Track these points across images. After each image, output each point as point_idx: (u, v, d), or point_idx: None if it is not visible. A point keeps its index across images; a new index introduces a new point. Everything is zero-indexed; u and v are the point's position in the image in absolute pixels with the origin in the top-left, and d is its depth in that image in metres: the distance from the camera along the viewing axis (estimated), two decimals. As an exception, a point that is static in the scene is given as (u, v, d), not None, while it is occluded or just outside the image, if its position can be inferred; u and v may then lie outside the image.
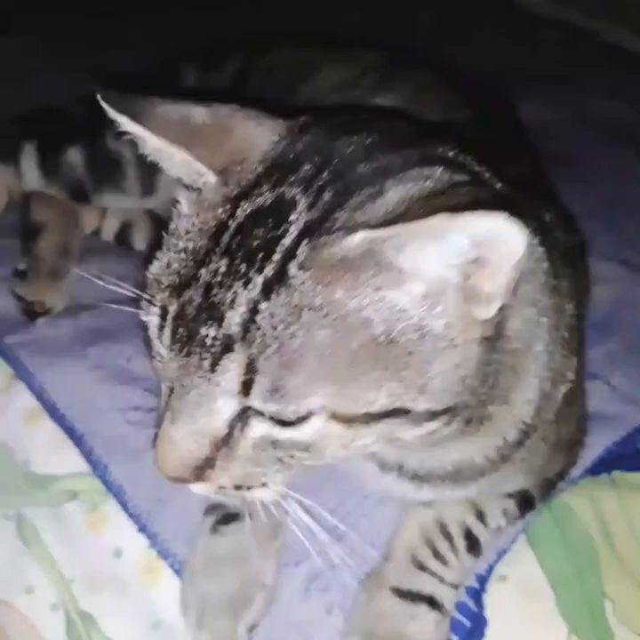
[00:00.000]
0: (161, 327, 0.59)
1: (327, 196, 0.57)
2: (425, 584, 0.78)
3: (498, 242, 0.50)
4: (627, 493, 0.90)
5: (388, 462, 0.76)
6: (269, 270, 0.55)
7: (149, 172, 1.20)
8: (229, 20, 1.64)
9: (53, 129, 1.24)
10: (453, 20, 1.86)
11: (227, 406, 0.57)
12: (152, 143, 0.62)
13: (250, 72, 1.20)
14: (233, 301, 0.55)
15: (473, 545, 0.81)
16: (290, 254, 0.55)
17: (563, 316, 0.70)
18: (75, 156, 1.20)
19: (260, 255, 0.55)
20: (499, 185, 0.64)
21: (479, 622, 0.79)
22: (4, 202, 1.23)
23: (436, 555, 0.79)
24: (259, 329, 0.54)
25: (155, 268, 0.62)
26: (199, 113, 0.64)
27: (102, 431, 0.92)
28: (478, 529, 0.81)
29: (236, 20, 1.63)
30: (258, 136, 0.63)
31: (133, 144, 1.17)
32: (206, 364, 0.55)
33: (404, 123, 0.66)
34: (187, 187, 0.64)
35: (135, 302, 1.09)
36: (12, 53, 1.65)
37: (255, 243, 0.56)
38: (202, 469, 0.59)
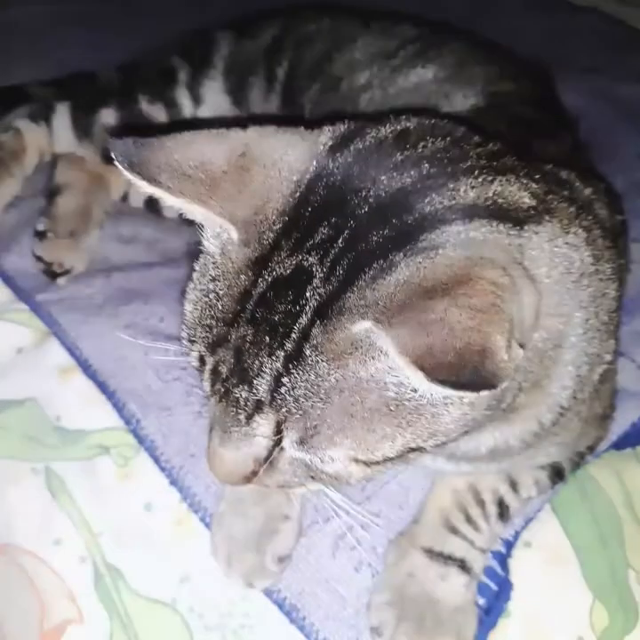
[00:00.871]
0: (200, 371, 0.64)
1: (341, 269, 0.57)
2: (456, 547, 0.79)
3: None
4: (651, 468, 0.91)
5: None
6: (288, 347, 0.57)
7: None
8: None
9: (87, 91, 1.25)
10: (486, 7, 1.85)
11: (264, 442, 0.61)
12: (171, 202, 0.61)
13: (286, 41, 1.21)
14: (260, 370, 0.58)
15: (503, 512, 0.82)
16: (305, 335, 0.57)
17: (603, 300, 0.70)
18: (108, 118, 1.21)
19: (281, 331, 0.57)
20: (526, 197, 0.62)
21: (505, 586, 0.81)
22: (34, 162, 1.22)
23: (469, 520, 0.81)
24: (282, 399, 0.58)
25: (189, 309, 0.64)
26: (215, 157, 0.61)
27: (135, 387, 0.93)
28: (510, 497, 0.83)
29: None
30: (277, 175, 0.61)
31: (167, 107, 1.21)
32: (242, 417, 0.60)
33: (431, 141, 0.63)
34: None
35: (166, 264, 1.11)
36: (42, 20, 1.66)
37: (276, 317, 0.58)
38: (248, 478, 0.64)
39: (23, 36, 1.59)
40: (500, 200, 0.61)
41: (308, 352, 0.56)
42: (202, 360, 0.63)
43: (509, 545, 0.83)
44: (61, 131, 1.22)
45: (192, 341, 0.63)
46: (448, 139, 0.64)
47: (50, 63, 1.41)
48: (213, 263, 0.63)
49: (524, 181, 0.64)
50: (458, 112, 0.95)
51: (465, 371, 0.50)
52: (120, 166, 0.61)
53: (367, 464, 0.60)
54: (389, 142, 0.63)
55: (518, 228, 0.60)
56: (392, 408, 0.57)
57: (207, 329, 0.61)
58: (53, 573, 0.85)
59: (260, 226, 0.60)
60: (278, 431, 0.59)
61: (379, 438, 0.58)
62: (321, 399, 0.57)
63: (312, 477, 0.63)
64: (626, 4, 1.88)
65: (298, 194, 0.60)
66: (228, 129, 0.64)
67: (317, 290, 0.57)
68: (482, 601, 0.80)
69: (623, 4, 1.87)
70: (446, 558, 0.78)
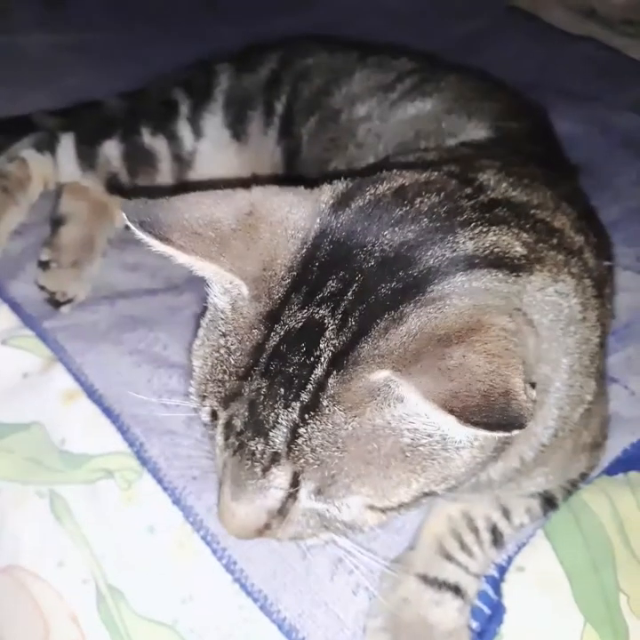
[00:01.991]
0: (212, 426, 0.65)
1: (353, 321, 0.59)
2: (451, 573, 0.81)
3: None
4: (642, 493, 0.92)
5: None
6: (304, 398, 0.59)
7: (182, 168, 1.24)
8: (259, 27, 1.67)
9: (91, 122, 1.27)
10: (479, 35, 1.88)
11: (278, 494, 0.62)
12: (183, 260, 0.63)
13: (284, 75, 1.24)
14: (276, 421, 0.59)
15: (497, 539, 0.84)
16: (321, 386, 0.58)
17: (587, 346, 0.72)
18: (111, 150, 1.23)
19: (296, 382, 0.59)
20: (518, 246, 0.65)
21: (498, 610, 0.82)
22: (39, 191, 1.25)
23: (463, 546, 0.82)
24: (299, 450, 0.59)
25: (198, 365, 0.66)
26: (224, 216, 0.63)
27: (138, 413, 0.94)
28: (503, 525, 0.84)
29: (266, 24, 1.65)
30: (284, 233, 0.64)
31: (168, 140, 1.24)
32: (258, 470, 0.61)
33: (431, 196, 0.66)
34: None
35: (169, 291, 1.13)
36: (47, 48, 1.69)
37: (291, 369, 0.60)
38: (261, 531, 0.65)
39: (29, 64, 1.62)
40: (496, 249, 0.63)
41: (325, 402, 0.58)
42: (214, 415, 0.64)
43: (502, 569, 0.85)
44: (66, 161, 1.25)
45: (203, 397, 0.64)
46: (442, 193, 0.67)
47: (55, 91, 1.45)
48: (223, 319, 0.64)
49: (516, 231, 0.66)
50: (474, 140, 0.97)
51: (494, 412, 0.52)
52: (132, 226, 0.62)
53: (383, 511, 0.62)
54: (388, 199, 0.65)
55: (515, 275, 0.63)
56: (408, 454, 0.59)
57: (219, 384, 0.63)
58: (56, 595, 0.86)
59: (270, 281, 0.62)
60: (295, 482, 0.60)
61: (394, 484, 0.60)
62: (338, 448, 0.58)
63: (326, 527, 0.65)
64: (621, 34, 1.91)
65: (304, 250, 0.63)
66: (233, 189, 0.66)
67: (331, 341, 0.59)
68: (475, 624, 0.81)
69: (618, 34, 1.90)
70: (441, 584, 0.80)
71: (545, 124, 1.17)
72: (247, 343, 0.62)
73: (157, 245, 0.62)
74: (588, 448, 0.87)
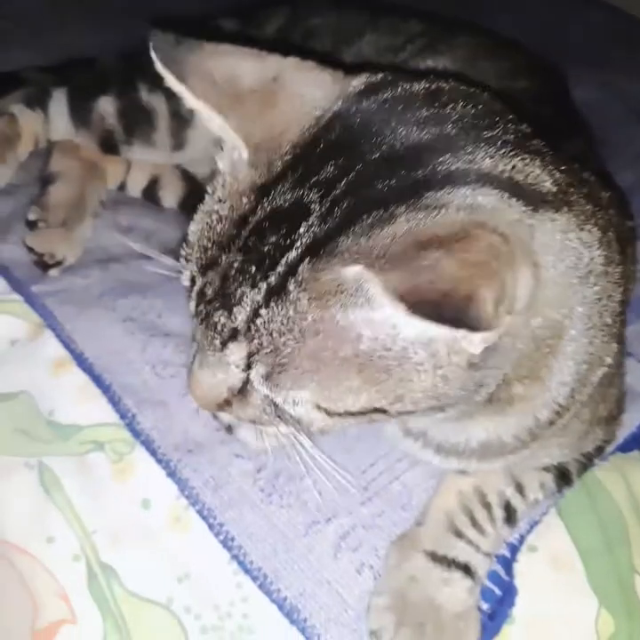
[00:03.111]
0: (189, 293, 0.64)
1: (339, 211, 0.57)
2: (461, 551, 0.78)
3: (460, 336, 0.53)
4: (658, 470, 0.89)
5: (412, 429, 0.77)
6: (272, 280, 0.57)
7: (181, 126, 1.18)
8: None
9: (85, 77, 1.22)
10: (493, 1, 1.83)
11: (237, 372, 0.62)
12: (193, 104, 0.63)
13: (292, 33, 1.19)
14: (240, 299, 0.58)
15: (510, 516, 0.81)
16: (291, 270, 0.57)
17: (609, 302, 0.69)
18: (106, 106, 1.18)
19: (267, 263, 0.58)
20: (548, 182, 0.62)
21: (510, 591, 0.79)
22: (29, 149, 1.19)
23: (474, 523, 0.79)
24: (257, 331, 0.58)
25: (192, 229, 0.65)
26: (248, 73, 0.63)
27: (131, 382, 0.90)
28: (517, 500, 0.81)
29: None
30: (300, 108, 0.62)
31: (167, 97, 1.19)
32: (217, 342, 0.61)
33: (459, 105, 0.63)
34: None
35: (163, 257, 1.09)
36: (41, 4, 1.63)
37: (266, 248, 0.58)
38: (222, 406, 0.67)
39: (22, 20, 1.56)
40: (517, 176, 0.60)
41: (291, 287, 0.56)
42: (193, 280, 0.63)
43: (514, 549, 0.81)
44: (58, 117, 1.19)
45: (187, 260, 0.64)
46: (480, 107, 0.63)
47: (49, 48, 1.39)
48: (222, 184, 0.63)
49: (550, 168, 0.63)
50: None
51: (448, 309, 0.49)
52: (155, 59, 0.63)
53: (329, 413, 0.60)
54: (419, 98, 0.63)
55: (532, 208, 0.59)
56: (363, 362, 0.56)
57: (203, 250, 0.62)
58: (46, 572, 0.82)
59: (272, 153, 0.61)
60: (248, 363, 0.60)
61: (343, 390, 0.58)
62: (294, 338, 0.57)
63: (280, 417, 0.64)
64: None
65: (315, 129, 0.61)
66: (269, 52, 0.65)
67: (312, 227, 0.57)
68: (485, 606, 0.78)
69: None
70: (450, 562, 0.77)
71: (558, 85, 1.13)
72: (235, 212, 0.61)
73: (172, 83, 0.63)
74: (604, 421, 0.84)
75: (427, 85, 0.65)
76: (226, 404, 0.66)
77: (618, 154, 1.24)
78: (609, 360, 0.72)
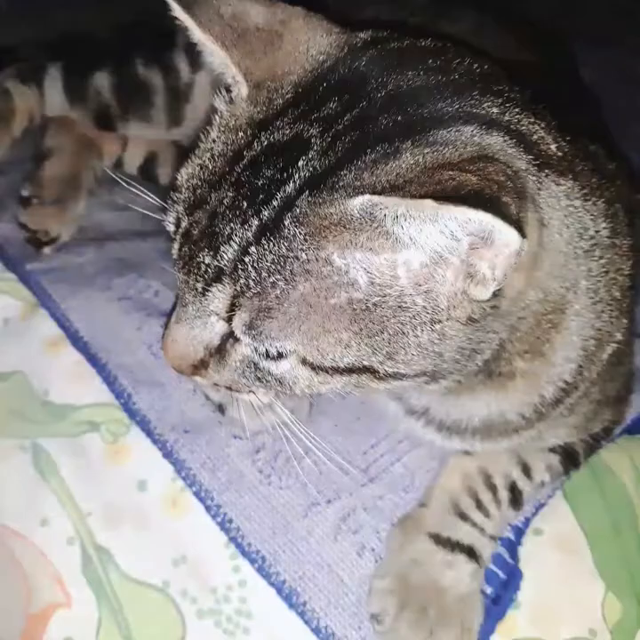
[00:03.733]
0: (174, 237, 0.62)
1: (341, 146, 0.55)
2: (466, 534, 0.76)
3: (488, 234, 0.49)
4: (665, 453, 0.87)
5: (414, 407, 0.75)
6: (265, 215, 0.55)
7: (177, 101, 1.17)
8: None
9: (81, 53, 1.19)
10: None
11: (217, 325, 0.60)
12: (197, 36, 0.62)
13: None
14: (229, 236, 0.56)
15: (516, 498, 0.79)
16: (288, 204, 0.54)
17: (617, 275, 0.67)
18: (102, 81, 1.16)
19: (261, 197, 0.55)
20: (553, 145, 0.61)
21: (514, 575, 0.77)
22: (23, 125, 1.17)
23: (479, 506, 0.78)
24: (245, 270, 0.55)
25: (183, 173, 0.63)
26: (256, 13, 0.63)
27: (126, 362, 0.89)
28: (523, 483, 0.80)
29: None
30: (305, 52, 0.62)
31: (164, 73, 1.16)
32: (199, 286, 0.58)
33: (465, 61, 0.62)
34: (227, 89, 0.64)
35: (161, 235, 1.07)
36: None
37: (260, 182, 0.56)
38: (197, 368, 0.63)
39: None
40: (523, 130, 0.59)
41: (287, 221, 0.54)
42: (177, 223, 0.61)
43: (520, 532, 0.80)
44: (53, 93, 1.17)
45: (174, 202, 0.62)
46: (488, 67, 0.63)
47: (43, 24, 1.35)
48: (218, 122, 0.62)
49: (554, 134, 0.61)
50: None
51: (476, 199, 0.48)
52: None
53: (315, 369, 0.58)
54: (427, 50, 0.63)
55: (538, 164, 0.57)
56: (356, 310, 0.54)
57: (191, 190, 0.61)
58: (40, 555, 0.81)
59: (272, 92, 0.60)
60: (232, 310, 0.57)
61: (333, 341, 0.56)
62: (284, 278, 0.54)
63: (259, 379, 0.61)
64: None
65: (318, 71, 0.61)
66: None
67: (312, 161, 0.55)
68: (489, 590, 0.76)
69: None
70: (454, 545, 0.75)
71: (564, 59, 1.12)
72: (229, 148, 0.59)
73: (179, 12, 0.62)
74: (613, 401, 0.82)
75: (433, 42, 0.64)
76: (202, 366, 0.63)
77: (621, 135, 1.20)
78: (619, 336, 0.70)
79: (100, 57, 1.17)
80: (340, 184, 0.53)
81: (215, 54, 0.62)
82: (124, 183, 0.74)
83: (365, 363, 0.56)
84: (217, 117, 0.63)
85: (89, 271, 0.99)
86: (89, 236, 1.06)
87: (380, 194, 0.51)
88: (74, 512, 0.82)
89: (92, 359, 0.89)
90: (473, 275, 0.52)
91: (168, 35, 1.17)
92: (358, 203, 0.51)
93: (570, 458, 0.82)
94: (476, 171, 0.50)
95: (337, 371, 0.57)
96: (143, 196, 0.70)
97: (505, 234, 0.48)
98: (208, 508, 0.79)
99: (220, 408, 0.84)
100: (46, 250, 1.03)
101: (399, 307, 0.54)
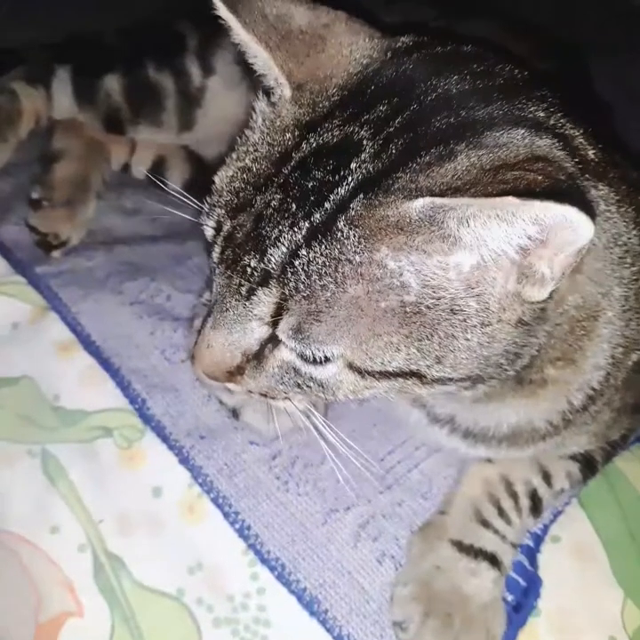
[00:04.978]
0: (214, 241, 0.60)
1: (394, 148, 0.55)
2: (488, 541, 0.76)
3: (564, 230, 0.49)
4: (680, 461, 0.88)
5: (439, 415, 0.74)
6: (317, 218, 0.54)
7: (189, 106, 1.16)
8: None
9: (90, 55, 1.18)
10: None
11: (259, 329, 0.59)
12: (241, 36, 0.62)
13: None
14: (277, 239, 0.55)
15: (536, 506, 0.79)
16: (341, 207, 0.54)
17: None
18: (113, 83, 1.15)
19: (312, 200, 0.55)
20: (591, 151, 0.62)
21: (534, 582, 0.77)
22: (30, 127, 1.16)
23: (501, 513, 0.77)
24: (294, 273, 0.54)
25: (221, 176, 0.62)
26: (300, 16, 0.63)
27: (140, 367, 0.88)
28: (543, 490, 0.79)
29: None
30: (349, 55, 0.62)
31: (175, 76, 1.16)
32: (243, 290, 0.57)
33: (507, 67, 0.63)
34: (266, 93, 0.63)
35: (171, 239, 1.07)
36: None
37: (311, 184, 0.55)
38: (232, 374, 0.62)
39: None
40: (567, 134, 0.59)
41: (341, 224, 0.53)
42: (218, 227, 0.60)
43: (538, 539, 0.80)
44: (61, 95, 1.16)
45: (213, 206, 0.61)
46: (527, 74, 0.63)
47: (49, 25, 1.34)
48: (260, 124, 0.62)
49: (593, 142, 0.62)
50: None
51: (555, 190, 0.48)
52: None
53: (361, 373, 0.57)
54: (470, 55, 0.63)
55: (580, 168, 0.58)
56: (408, 313, 0.54)
57: (233, 193, 0.59)
58: (50, 562, 0.80)
59: (317, 94, 0.60)
60: (277, 314, 0.56)
61: (382, 345, 0.55)
62: (335, 281, 0.53)
63: (299, 385, 0.60)
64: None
65: (363, 74, 0.61)
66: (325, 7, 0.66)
67: (365, 164, 0.55)
68: (510, 597, 0.76)
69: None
70: (477, 552, 0.75)
71: (578, 67, 1.12)
72: (275, 149, 0.58)
73: (223, 11, 0.61)
74: (630, 409, 0.82)
75: (474, 49, 0.64)
76: (237, 372, 0.62)
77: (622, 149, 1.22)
78: None
79: (108, 59, 1.17)
80: (396, 186, 0.53)
81: (259, 55, 0.62)
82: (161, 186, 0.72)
83: (413, 367, 0.56)
84: (258, 119, 0.62)
85: (99, 275, 0.98)
86: (98, 239, 1.05)
87: (439, 196, 0.50)
88: (85, 519, 0.80)
89: (105, 364, 0.88)
90: (528, 275, 0.52)
91: (177, 39, 1.17)
92: (418, 205, 0.51)
93: (589, 465, 0.82)
94: (538, 170, 0.50)
95: (384, 375, 0.57)
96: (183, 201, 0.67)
97: (584, 228, 0.48)
98: (226, 515, 0.78)
99: (234, 413, 0.84)
100: (56, 253, 1.02)
101: (451, 310, 0.53)
